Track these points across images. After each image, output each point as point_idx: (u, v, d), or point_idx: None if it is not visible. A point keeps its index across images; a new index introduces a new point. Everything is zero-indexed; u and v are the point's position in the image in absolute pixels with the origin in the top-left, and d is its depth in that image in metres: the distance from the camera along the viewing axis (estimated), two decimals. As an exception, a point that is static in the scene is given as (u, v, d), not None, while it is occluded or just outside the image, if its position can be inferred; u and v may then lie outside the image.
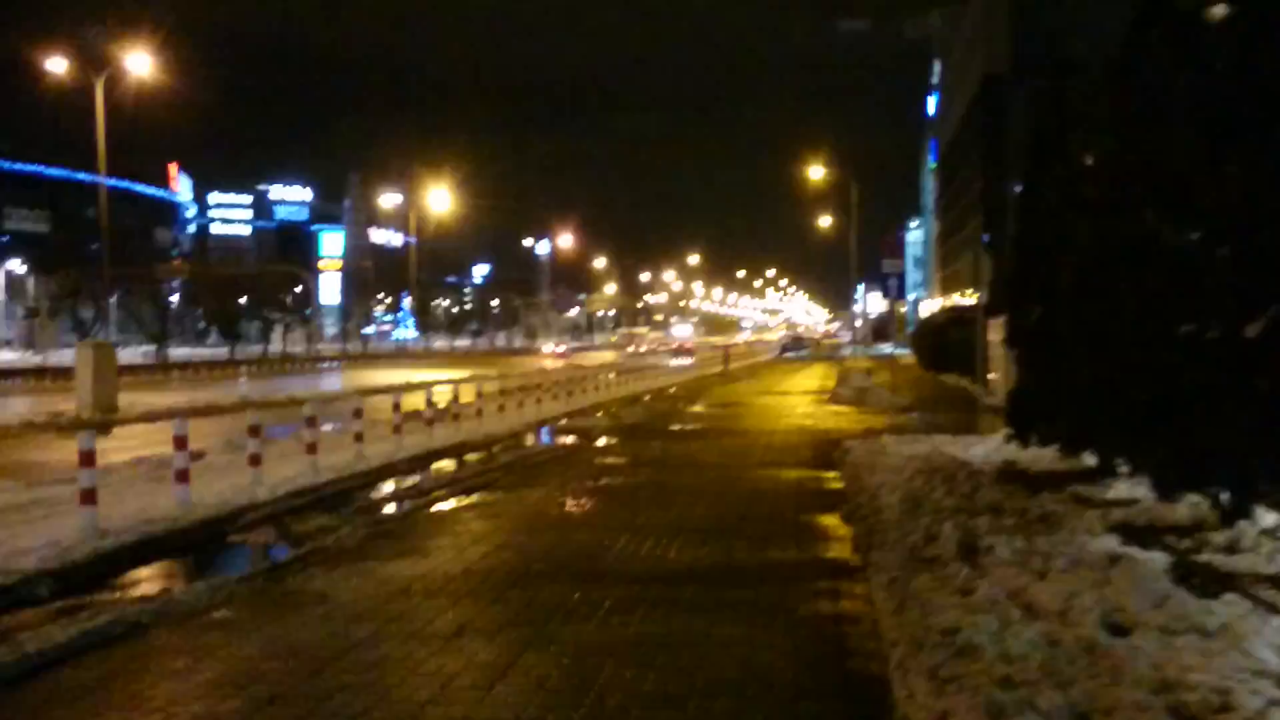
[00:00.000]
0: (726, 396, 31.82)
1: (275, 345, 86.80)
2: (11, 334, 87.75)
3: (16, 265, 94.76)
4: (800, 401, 28.78)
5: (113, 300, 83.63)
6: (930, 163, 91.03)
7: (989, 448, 14.09)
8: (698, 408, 27.22)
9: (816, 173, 61.74)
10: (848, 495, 11.67)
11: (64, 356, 61.16)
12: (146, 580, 8.57)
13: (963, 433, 17.12)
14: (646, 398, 31.37)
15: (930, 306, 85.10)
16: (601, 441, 18.67)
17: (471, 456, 16.71)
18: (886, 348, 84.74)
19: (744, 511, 10.92)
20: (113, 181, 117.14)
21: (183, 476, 10.91)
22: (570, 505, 11.54)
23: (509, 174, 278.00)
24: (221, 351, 78.79)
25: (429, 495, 12.40)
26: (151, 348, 74.23)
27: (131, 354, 70.83)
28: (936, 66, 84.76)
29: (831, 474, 13.73)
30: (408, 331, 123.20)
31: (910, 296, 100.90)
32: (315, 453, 13.75)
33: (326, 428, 15.41)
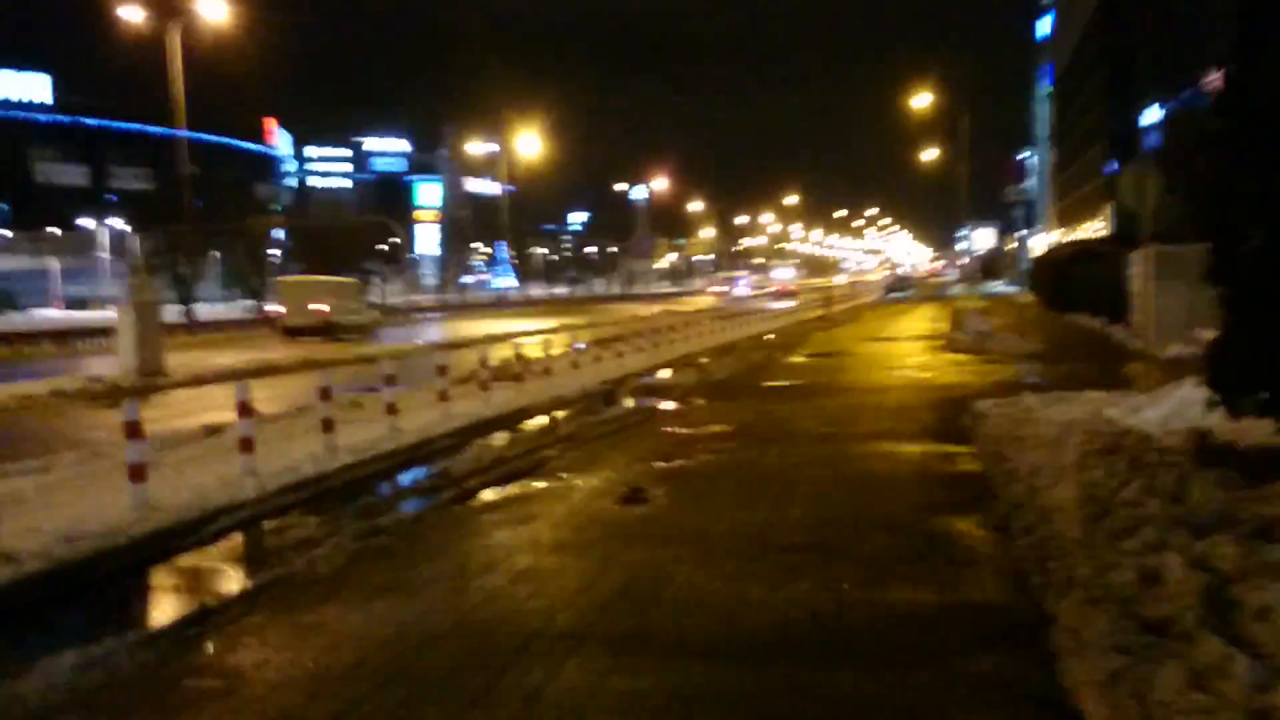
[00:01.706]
0: (829, 344, 28.92)
1: (373, 297, 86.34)
2: (118, 292, 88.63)
3: (119, 224, 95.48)
4: (911, 349, 25.76)
5: (215, 255, 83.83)
6: (1044, 88, 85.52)
7: (1165, 410, 11.08)
8: (797, 358, 24.44)
9: (920, 102, 57.74)
10: (991, 484, 8.90)
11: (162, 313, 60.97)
12: None
13: (1118, 388, 14.08)
14: (742, 347, 28.65)
15: (1045, 240, 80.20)
16: (684, 403, 16.09)
17: (530, 425, 14.31)
18: (997, 286, 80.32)
19: (854, 512, 8.24)
20: (211, 137, 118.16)
21: (138, 474, 8.67)
22: (628, 502, 8.99)
23: (604, 120, 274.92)
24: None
25: (458, 485, 9.99)
26: (252, 302, 73.94)
27: (230, 309, 70.64)
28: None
29: (963, 449, 10.93)
30: (506, 280, 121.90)
31: (1020, 230, 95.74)
32: (331, 430, 11.46)
33: (386, 391, 13.12)
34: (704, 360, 23.72)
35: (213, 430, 13.49)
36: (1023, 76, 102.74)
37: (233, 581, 7.07)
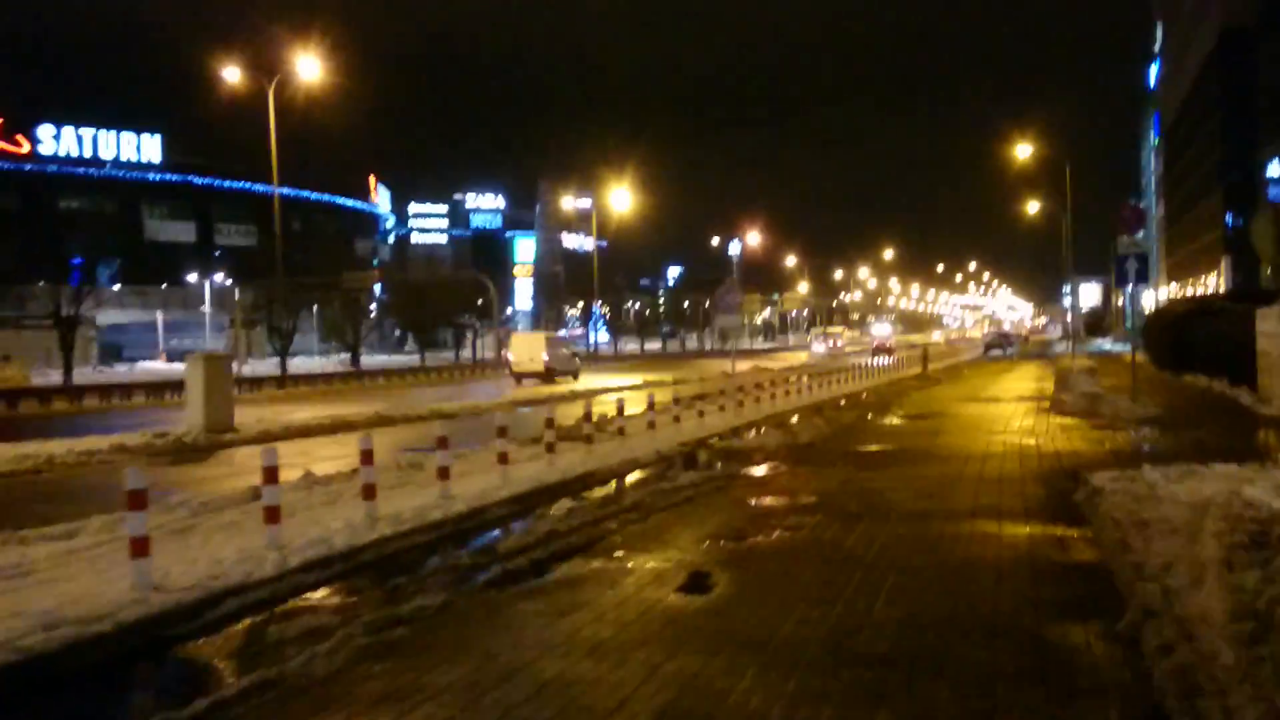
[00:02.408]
0: (925, 404, 27.40)
1: (467, 352, 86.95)
2: (220, 345, 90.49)
3: (221, 279, 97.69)
4: (1014, 410, 24.15)
5: (314, 310, 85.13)
6: (1152, 138, 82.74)
7: (1317, 492, 9.59)
8: (891, 419, 23.03)
9: (1022, 153, 56.00)
10: (1114, 579, 7.56)
11: (260, 366, 61.62)
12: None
13: (1252, 460, 12.52)
14: (832, 406, 27.30)
15: (1154, 296, 77.05)
16: (764, 469, 14.89)
17: (595, 492, 13.23)
18: (1104, 344, 77.22)
19: (949, 611, 6.98)
20: (314, 195, 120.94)
21: (140, 549, 7.80)
22: (686, 590, 7.85)
23: (699, 174, 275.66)
24: (414, 359, 79.17)
25: (500, 563, 8.93)
26: (347, 356, 74.69)
27: (326, 362, 71.43)
28: (1158, 30, 76.68)
29: (1077, 532, 9.55)
30: (600, 335, 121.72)
31: (1131, 284, 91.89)
32: (373, 498, 10.55)
33: (440, 455, 12.23)
34: (791, 421, 22.45)
35: (260, 493, 12.72)
36: (1129, 126, 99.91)
37: (211, 684, 6.08)
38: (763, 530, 10.14)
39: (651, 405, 19.27)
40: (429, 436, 19.14)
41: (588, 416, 16.66)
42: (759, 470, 14.76)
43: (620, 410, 18.04)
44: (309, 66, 49.74)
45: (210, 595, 7.69)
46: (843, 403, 28.40)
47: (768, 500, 12.11)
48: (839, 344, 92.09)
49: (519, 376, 45.00)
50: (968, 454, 15.92)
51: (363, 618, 7.17)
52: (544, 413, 17.19)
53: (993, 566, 8.29)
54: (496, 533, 10.39)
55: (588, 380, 43.59)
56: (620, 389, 35.90)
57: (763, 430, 20.68)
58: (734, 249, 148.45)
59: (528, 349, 47.29)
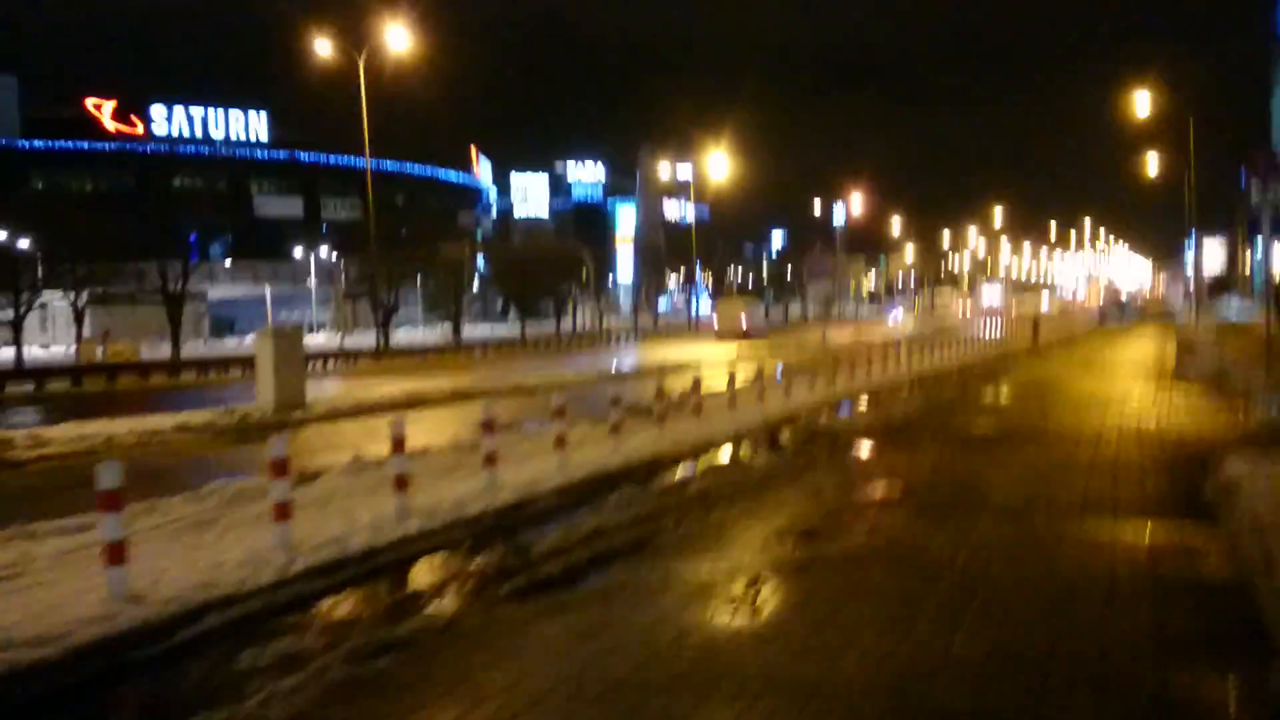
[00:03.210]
0: (1034, 376, 25.61)
1: (568, 323, 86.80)
2: (325, 318, 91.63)
3: (327, 253, 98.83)
4: (1132, 384, 22.29)
5: (418, 282, 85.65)
6: (1285, 89, 77.61)
7: None
8: (995, 394, 21.42)
9: (1141, 106, 52.94)
10: (1259, 608, 6.16)
11: (363, 339, 61.88)
12: None
13: None
14: (933, 379, 25.69)
15: (1287, 258, 72.38)
16: (850, 451, 13.58)
17: (659, 480, 12.08)
18: (1229, 307, 73.03)
19: (1047, 645, 5.68)
20: (418, 168, 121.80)
21: (115, 555, 6.93)
22: (736, 610, 6.68)
23: (801, 138, 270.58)
24: (515, 331, 79.18)
25: (530, 569, 7.87)
26: (448, 326, 74.85)
27: (429, 334, 71.61)
28: (1293, -26, 71.76)
29: (1208, 537, 8.11)
30: (704, 304, 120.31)
31: (1257, 245, 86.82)
32: (405, 489, 9.57)
33: (487, 440, 11.25)
34: (885, 396, 21.03)
35: (306, 478, 11.91)
36: (1259, 75, 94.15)
37: (147, 732, 5.14)
38: (837, 528, 8.90)
39: (732, 380, 18.04)
40: (507, 412, 18.34)
41: (659, 395, 15.46)
42: (843, 453, 13.46)
43: (696, 386, 16.81)
44: (405, 39, 49.38)
45: (190, 609, 6.78)
46: (944, 375, 26.74)
47: (849, 489, 10.84)
48: (901, 316, 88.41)
49: (720, 334, 54.79)
50: (1078, 435, 14.36)
51: (350, 641, 6.18)
52: (634, 386, 16.20)
53: (1104, 583, 6.93)
54: (538, 529, 9.32)
55: (679, 353, 42.39)
56: (713, 360, 34.76)
57: (854, 407, 19.30)
58: (838, 214, 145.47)
59: (731, 313, 59.37)
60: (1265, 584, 6.45)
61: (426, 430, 16.53)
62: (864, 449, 13.75)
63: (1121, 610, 6.35)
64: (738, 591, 7.04)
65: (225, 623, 6.71)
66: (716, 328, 58.25)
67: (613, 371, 32.14)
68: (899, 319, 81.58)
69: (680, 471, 12.47)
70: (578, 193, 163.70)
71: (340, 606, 7.09)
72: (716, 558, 8.01)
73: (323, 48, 50.43)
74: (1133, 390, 20.65)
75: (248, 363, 42.69)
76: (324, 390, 27.56)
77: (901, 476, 11.43)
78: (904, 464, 12.38)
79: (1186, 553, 7.68)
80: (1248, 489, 8.87)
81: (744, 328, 55.98)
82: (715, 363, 32.38)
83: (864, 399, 20.52)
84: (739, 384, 18.59)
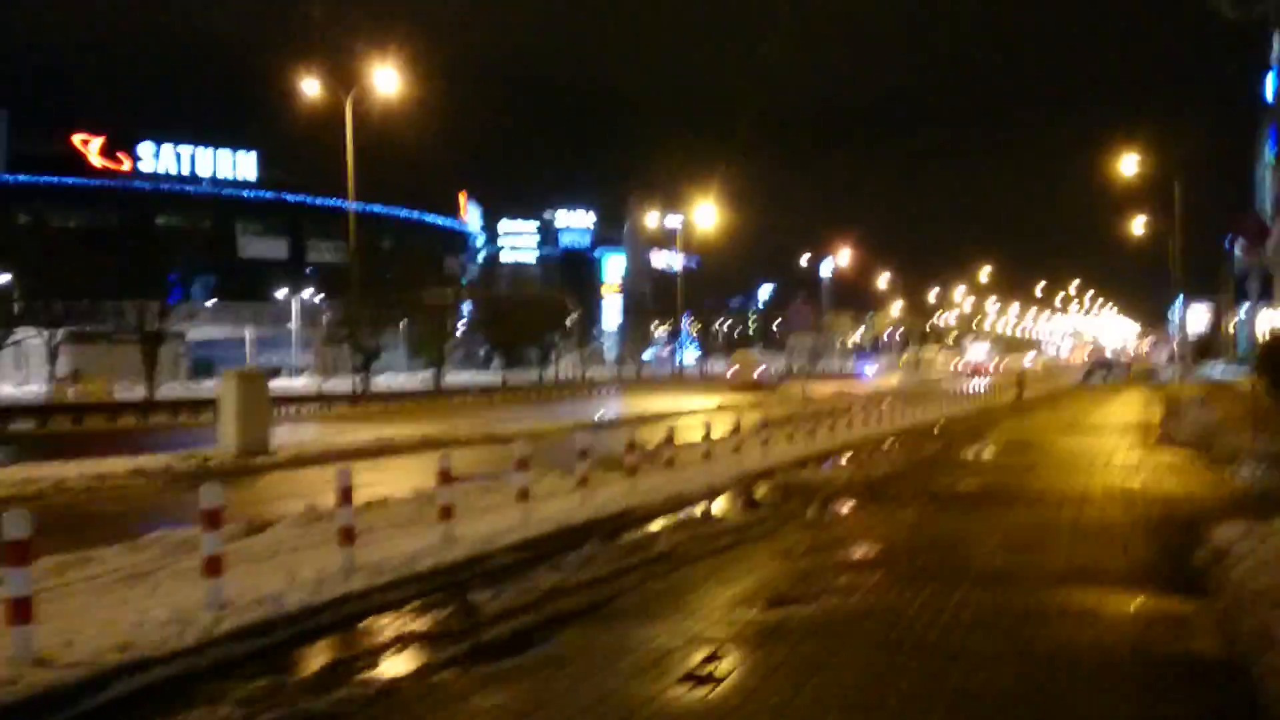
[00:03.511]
0: (1018, 434, 25.21)
1: (552, 371, 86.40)
2: (307, 362, 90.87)
3: (310, 295, 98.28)
4: (1117, 444, 21.90)
5: (401, 327, 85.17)
6: (1269, 154, 78.28)
7: None
8: (978, 451, 20.96)
9: (1128, 168, 53.16)
10: (1257, 692, 5.68)
11: (343, 383, 61.06)
12: None
13: None
14: (916, 434, 25.26)
15: (1271, 319, 72.61)
16: (827, 509, 13.09)
17: (626, 535, 11.55)
18: (1215, 369, 72.99)
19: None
20: (406, 212, 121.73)
21: (21, 613, 6.38)
22: (692, 685, 6.16)
23: (791, 193, 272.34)
24: (499, 379, 78.63)
25: (475, 634, 7.35)
26: (431, 373, 74.29)
27: (410, 379, 70.97)
28: (1275, 39, 72.58)
29: (1197, 608, 7.64)
30: (689, 355, 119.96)
31: (1243, 308, 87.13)
32: (351, 542, 9.05)
33: (443, 492, 10.74)
34: (866, 451, 20.57)
35: (254, 529, 11.38)
36: (1244, 141, 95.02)
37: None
38: (808, 593, 8.39)
39: (708, 434, 17.57)
40: (476, 462, 17.83)
41: (630, 448, 14.95)
42: (819, 511, 12.96)
43: (670, 439, 16.32)
44: (395, 83, 49.40)
45: (100, 673, 6.23)
46: (928, 431, 26.33)
47: (822, 550, 10.33)
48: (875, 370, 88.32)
49: (736, 386, 56.52)
50: (1062, 496, 13.91)
51: (270, 713, 5.64)
52: (609, 438, 15.74)
53: (1089, 661, 6.43)
54: (491, 589, 8.78)
55: (660, 404, 41.92)
56: (692, 412, 34.32)
57: (833, 462, 18.84)
58: (826, 268, 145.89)
59: (747, 363, 65.73)
60: (1260, 666, 5.98)
61: (392, 479, 16.05)
62: (840, 507, 13.26)
63: (1107, 692, 5.85)
64: (696, 663, 6.53)
65: (135, 690, 6.16)
66: (730, 377, 62.13)
67: (592, 421, 31.59)
68: (871, 375, 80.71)
69: (648, 527, 11.95)
70: (566, 240, 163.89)
71: (262, 673, 6.53)
72: (677, 624, 7.50)
73: (310, 87, 50.42)
74: (1118, 450, 20.25)
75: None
76: (296, 435, 26.99)
77: (878, 538, 10.95)
78: (881, 524, 11.90)
79: (1176, 626, 7.20)
80: (1239, 558, 8.41)
81: (756, 378, 60.31)
82: (697, 414, 31.91)
83: (845, 455, 20.05)
84: (717, 436, 18.14)
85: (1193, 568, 8.94)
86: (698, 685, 6.10)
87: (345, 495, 9.16)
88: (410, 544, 10.07)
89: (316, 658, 6.88)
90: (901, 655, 6.61)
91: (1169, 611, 7.61)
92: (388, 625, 7.70)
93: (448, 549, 9.86)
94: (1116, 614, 7.55)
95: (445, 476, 10.51)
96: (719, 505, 13.77)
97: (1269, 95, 77.60)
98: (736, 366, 65.87)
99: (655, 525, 12.06)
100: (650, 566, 9.64)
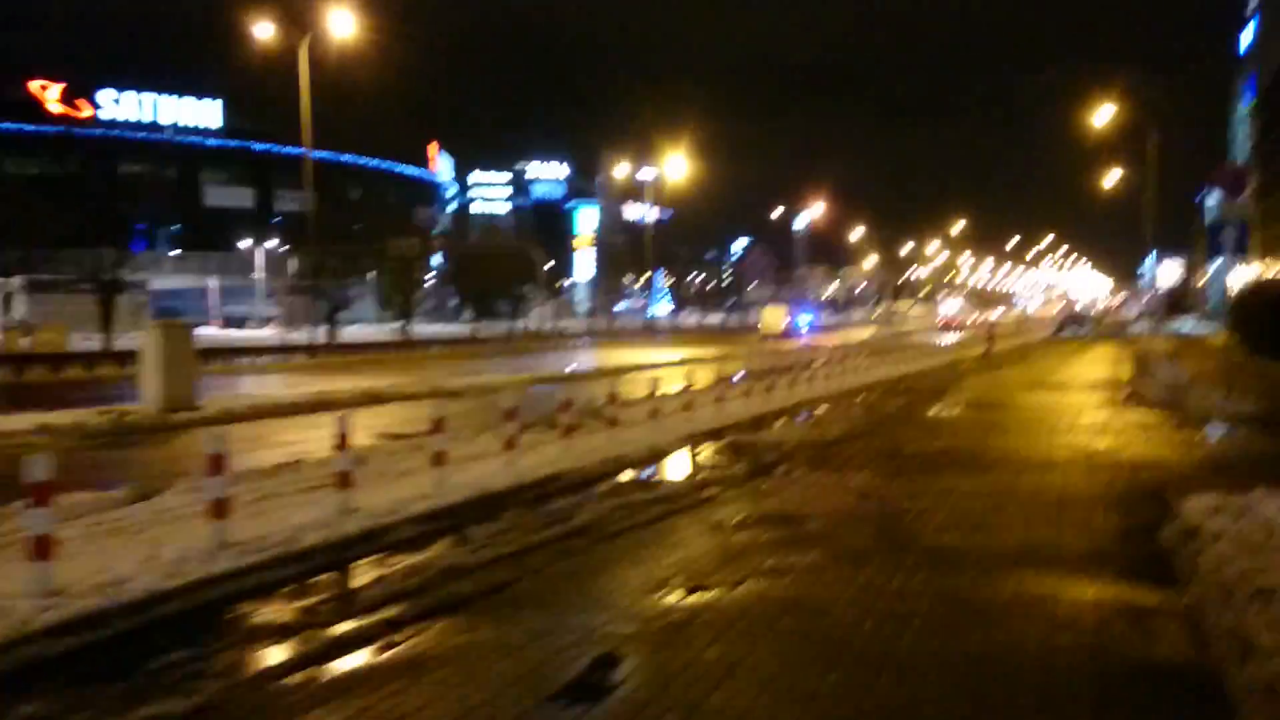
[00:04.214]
0: (984, 390, 24.40)
1: (521, 323, 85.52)
2: (272, 312, 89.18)
3: (276, 245, 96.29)
4: (1085, 401, 21.10)
5: (370, 277, 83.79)
6: (1244, 105, 77.52)
7: None
8: (941, 409, 20.12)
9: (1102, 118, 52.21)
10: (1231, 702, 4.80)
11: (311, 334, 59.53)
12: None
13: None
14: (879, 391, 24.41)
15: (1243, 274, 72.17)
16: (770, 475, 12.19)
17: (546, 506, 10.59)
18: (1185, 325, 72.56)
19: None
20: (374, 162, 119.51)
21: None
22: (572, 700, 5.22)
23: (765, 147, 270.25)
24: (467, 330, 77.54)
25: (344, 622, 6.41)
26: (398, 324, 73.09)
27: (380, 331, 69.61)
28: (1255, -10, 71.46)
29: (1164, 598, 6.76)
30: (662, 307, 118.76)
31: (1215, 262, 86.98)
32: (224, 516, 8.05)
33: (341, 459, 9.78)
34: (824, 408, 19.68)
35: (142, 496, 10.38)
36: (1219, 92, 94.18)
37: None
38: (732, 575, 7.48)
39: (654, 391, 16.62)
40: (410, 420, 16.86)
41: (565, 406, 13.95)
42: (763, 477, 12.05)
43: (613, 398, 15.33)
44: (359, 28, 47.88)
45: None
46: (891, 387, 25.49)
47: (759, 524, 9.42)
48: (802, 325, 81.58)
49: (765, 337, 62.44)
50: (1023, 460, 13.06)
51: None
52: (566, 393, 14.81)
53: (1039, 665, 5.54)
54: (382, 567, 7.84)
55: (621, 356, 40.97)
56: (656, 365, 33.35)
57: (788, 420, 17.93)
58: (800, 221, 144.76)
59: (774, 317, 72.25)
60: (1238, 674, 5.09)
61: (320, 437, 15.03)
62: (788, 472, 12.34)
63: (1058, 706, 4.96)
64: (583, 669, 5.59)
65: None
66: (760, 329, 69.67)
67: (550, 375, 30.61)
68: (808, 332, 73.08)
69: (575, 495, 10.99)
70: (539, 192, 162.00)
71: (78, 680, 5.55)
72: (575, 615, 6.56)
73: (274, 33, 48.79)
74: (1085, 409, 19.45)
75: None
76: (236, 388, 25.92)
77: (821, 509, 10.04)
78: (827, 492, 11.00)
79: (1138, 621, 6.30)
80: (1210, 537, 7.54)
81: (783, 331, 68.19)
82: (661, 369, 30.94)
83: (801, 412, 19.16)
84: (674, 391, 17.28)
85: (1159, 547, 8.08)
86: (575, 701, 5.16)
87: (216, 464, 8.13)
88: (304, 515, 9.09)
89: (147, 658, 5.89)
90: (827, 655, 5.71)
91: (1132, 603, 6.72)
92: (245, 615, 6.72)
93: (342, 522, 8.88)
94: (1073, 607, 6.65)
95: (342, 442, 9.49)
96: (657, 470, 12.84)
97: (1244, 48, 76.74)
98: (766, 319, 72.50)
99: (583, 493, 11.09)
100: (567, 541, 8.70)
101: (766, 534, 8.96)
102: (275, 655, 5.94)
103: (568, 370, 33.27)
